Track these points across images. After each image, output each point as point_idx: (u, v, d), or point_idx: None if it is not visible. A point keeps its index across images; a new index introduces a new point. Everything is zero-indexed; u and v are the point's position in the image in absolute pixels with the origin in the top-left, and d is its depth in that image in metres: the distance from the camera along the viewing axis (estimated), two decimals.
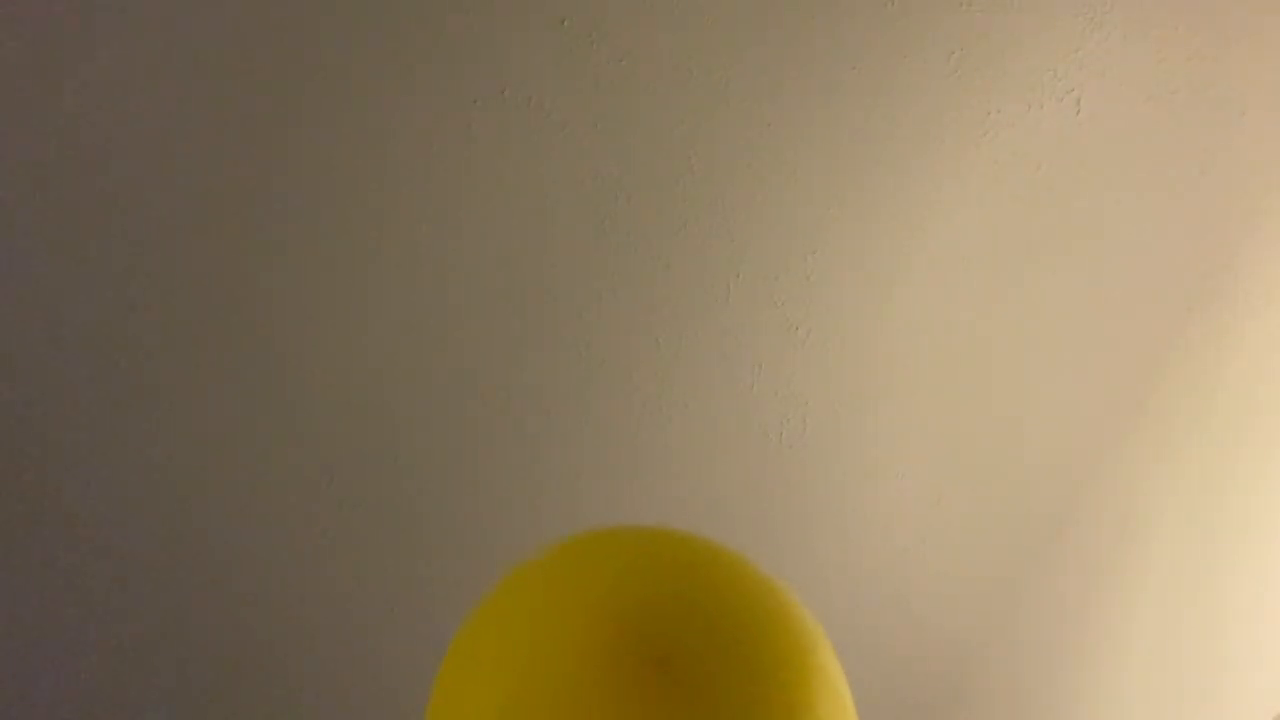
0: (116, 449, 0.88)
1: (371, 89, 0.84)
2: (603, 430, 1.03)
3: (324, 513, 0.97)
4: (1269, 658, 1.68)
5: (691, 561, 0.43)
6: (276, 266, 0.87)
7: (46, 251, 0.81)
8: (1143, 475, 1.36)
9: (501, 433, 0.99)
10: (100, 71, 0.77)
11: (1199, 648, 1.59)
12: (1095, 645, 1.48)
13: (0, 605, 0.90)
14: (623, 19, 0.88)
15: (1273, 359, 1.35)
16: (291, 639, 1.01)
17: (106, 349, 0.85)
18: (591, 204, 0.94)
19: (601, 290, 0.98)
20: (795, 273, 1.04)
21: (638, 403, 1.04)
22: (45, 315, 0.83)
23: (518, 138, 0.89)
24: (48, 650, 0.94)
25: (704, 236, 0.99)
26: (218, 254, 0.85)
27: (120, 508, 0.91)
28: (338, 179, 0.86)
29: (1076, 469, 1.31)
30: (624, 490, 1.06)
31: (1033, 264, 1.14)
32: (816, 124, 0.98)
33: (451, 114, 0.86)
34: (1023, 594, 1.36)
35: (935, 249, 1.09)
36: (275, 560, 0.97)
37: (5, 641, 0.92)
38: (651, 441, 1.05)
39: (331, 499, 0.96)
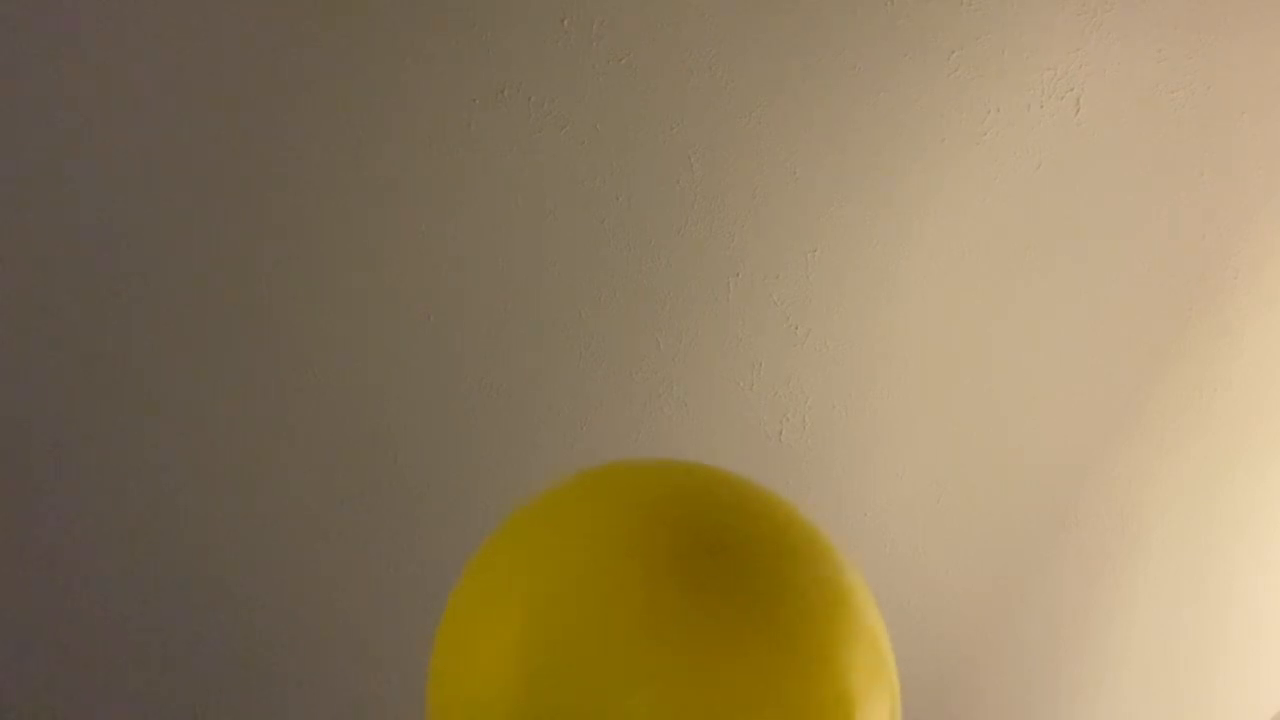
0: (111, 445, 0.88)
1: (372, 89, 0.84)
2: (603, 429, 1.03)
3: (322, 512, 0.97)
4: (1269, 658, 1.68)
5: (729, 475, 0.46)
6: (275, 265, 0.87)
7: (44, 250, 0.81)
8: (1143, 475, 1.36)
9: (501, 432, 0.99)
10: (100, 71, 0.77)
11: (1199, 648, 1.59)
12: (1095, 645, 1.48)
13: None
14: (623, 19, 0.88)
15: (1273, 359, 1.35)
16: (288, 633, 1.01)
17: (102, 345, 0.85)
18: (591, 204, 0.94)
19: (601, 290, 0.98)
20: (795, 272, 1.04)
21: (638, 402, 1.04)
22: (43, 312, 0.83)
23: (518, 138, 0.89)
24: (46, 644, 0.94)
25: (704, 236, 0.99)
26: (217, 252, 0.85)
27: (113, 503, 0.91)
28: (338, 178, 0.86)
29: (1076, 469, 1.31)
30: None
31: (1032, 263, 1.14)
32: (816, 124, 0.98)
33: (451, 114, 0.86)
34: (1022, 594, 1.36)
35: (935, 248, 1.09)
36: (272, 556, 0.97)
37: (3, 638, 0.92)
38: (651, 441, 1.05)
39: (330, 497, 0.96)
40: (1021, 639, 1.40)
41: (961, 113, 1.02)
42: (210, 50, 0.79)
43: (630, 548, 0.39)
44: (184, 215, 0.83)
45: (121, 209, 0.81)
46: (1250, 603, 1.60)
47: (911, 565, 1.26)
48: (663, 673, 0.37)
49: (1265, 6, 1.07)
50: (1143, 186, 1.14)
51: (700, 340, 1.03)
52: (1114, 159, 1.11)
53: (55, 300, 0.83)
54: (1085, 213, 1.13)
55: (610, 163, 0.93)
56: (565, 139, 0.90)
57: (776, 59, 0.94)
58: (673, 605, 0.38)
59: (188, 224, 0.83)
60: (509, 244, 0.93)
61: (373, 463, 0.97)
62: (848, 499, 1.18)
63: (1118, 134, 1.09)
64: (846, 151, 1.00)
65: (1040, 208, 1.10)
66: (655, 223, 0.97)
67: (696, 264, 1.00)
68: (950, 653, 1.36)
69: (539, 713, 0.37)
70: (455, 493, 1.00)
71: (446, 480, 1.00)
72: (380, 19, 0.82)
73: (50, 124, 0.77)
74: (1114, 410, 1.29)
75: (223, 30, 0.79)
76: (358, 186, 0.87)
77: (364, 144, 0.85)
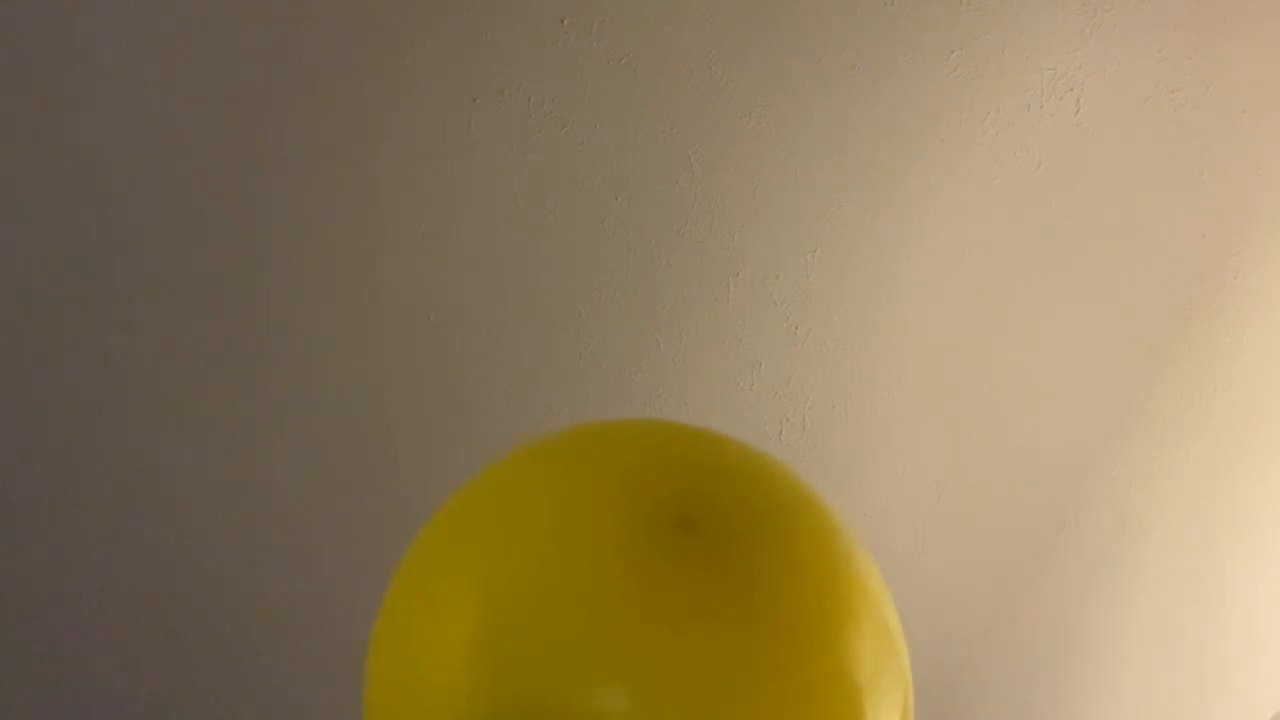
0: (110, 443, 0.88)
1: (370, 88, 0.84)
2: None
3: (321, 511, 0.97)
4: (1269, 658, 1.68)
5: (712, 438, 0.40)
6: (274, 265, 0.87)
7: (43, 249, 0.81)
8: (1143, 475, 1.36)
9: (500, 432, 0.99)
10: (99, 71, 0.77)
11: (1199, 648, 1.59)
12: (1095, 645, 1.48)
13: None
14: (623, 19, 0.88)
15: (1273, 359, 1.35)
16: (286, 634, 1.01)
17: (100, 344, 0.85)
18: (591, 203, 0.94)
19: (601, 290, 0.98)
20: (795, 273, 1.04)
21: (638, 402, 1.04)
22: (40, 310, 0.83)
23: (518, 138, 0.89)
24: (44, 641, 0.94)
25: (704, 236, 0.99)
26: (214, 252, 0.85)
27: (111, 501, 0.91)
28: (337, 178, 0.86)
29: (1076, 469, 1.31)
30: None
31: (1032, 263, 1.14)
32: (816, 124, 0.98)
33: (451, 113, 0.86)
34: (1022, 593, 1.36)
35: (935, 248, 1.09)
36: (272, 556, 0.97)
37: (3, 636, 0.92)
38: None
39: (329, 497, 0.96)
40: (1021, 639, 1.40)
41: (961, 113, 1.02)
42: (208, 49, 0.79)
43: (603, 516, 0.34)
44: (182, 215, 0.83)
45: (121, 209, 0.81)
46: (1250, 603, 1.60)
47: (911, 565, 1.26)
48: (639, 661, 0.32)
49: (1265, 6, 1.07)
50: (1143, 186, 1.14)
51: (700, 340, 1.03)
52: (1114, 159, 1.11)
53: (55, 300, 0.83)
54: (1085, 213, 1.13)
55: (610, 163, 0.93)
56: (565, 139, 0.90)
57: (776, 59, 0.94)
58: (651, 583, 0.33)
59: (186, 224, 0.83)
60: (509, 244, 0.93)
61: (373, 462, 0.97)
62: (848, 499, 1.18)
63: (1118, 134, 1.09)
64: (846, 151, 1.00)
65: (1040, 208, 1.10)
66: (655, 223, 0.97)
67: (696, 264, 1.00)
68: (950, 653, 1.36)
69: (493, 706, 0.32)
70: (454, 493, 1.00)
71: (446, 480, 0.99)
72: (379, 19, 0.82)
73: (50, 124, 0.77)
74: (1114, 410, 1.29)
75: (221, 29, 0.79)
76: (357, 186, 0.87)
77: (364, 144, 0.85)
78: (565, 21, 0.86)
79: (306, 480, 0.95)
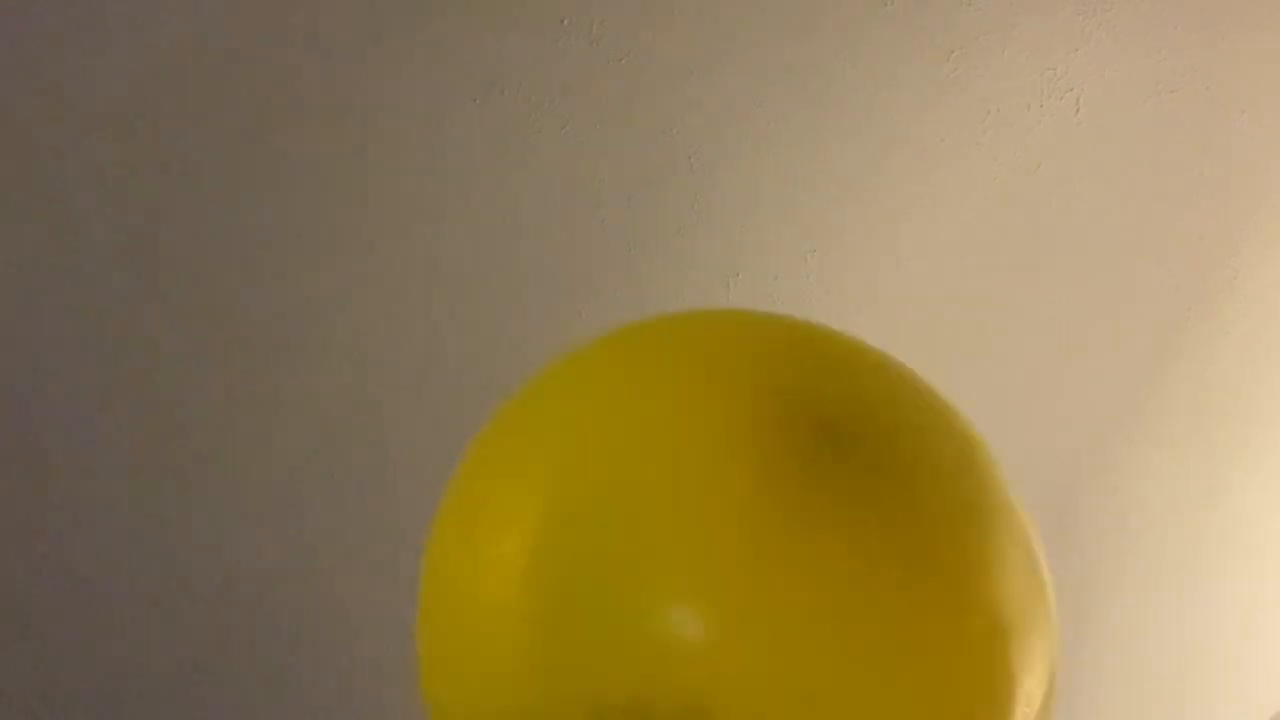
0: (110, 444, 0.88)
1: (369, 87, 0.84)
2: None
3: (322, 514, 0.97)
4: (1268, 658, 1.68)
5: (837, 336, 0.33)
6: (272, 266, 0.87)
7: (43, 249, 0.81)
8: (1143, 475, 1.36)
9: None
10: (98, 72, 0.77)
11: (1198, 648, 1.59)
12: (1095, 645, 1.48)
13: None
14: (623, 19, 0.88)
15: (1273, 359, 1.35)
16: (286, 635, 1.01)
17: (97, 342, 0.85)
18: (591, 203, 0.94)
19: (601, 290, 0.98)
20: (795, 273, 1.04)
21: None
22: (36, 308, 0.83)
23: (518, 138, 0.89)
24: (47, 641, 0.94)
25: (704, 236, 0.99)
26: (212, 252, 0.85)
27: (112, 501, 0.91)
28: (335, 177, 0.86)
29: (1076, 469, 1.31)
30: None
31: (1032, 263, 1.14)
32: (816, 124, 0.98)
33: (451, 113, 0.86)
34: None
35: (934, 248, 1.09)
36: (271, 555, 0.97)
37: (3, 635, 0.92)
38: None
39: (329, 498, 0.96)
40: None
41: (961, 113, 1.02)
42: (206, 49, 0.79)
43: (718, 411, 0.28)
44: (179, 212, 0.83)
45: (117, 210, 0.81)
46: (1250, 602, 1.60)
47: None
48: (753, 594, 0.25)
49: (1265, 6, 1.07)
50: (1142, 186, 1.14)
51: None
52: (1114, 159, 1.11)
53: (54, 301, 0.83)
54: (1085, 213, 1.13)
55: (610, 163, 0.93)
56: (565, 139, 0.90)
57: (776, 59, 0.94)
58: (786, 503, 0.26)
59: (184, 223, 0.83)
60: (509, 244, 0.93)
61: (372, 466, 0.97)
62: None
63: (1118, 134, 1.09)
64: (846, 152, 1.00)
65: (1040, 208, 1.10)
66: (655, 223, 0.97)
67: (696, 264, 1.00)
68: None
69: (556, 606, 0.27)
70: None
71: (442, 481, 0.99)
72: (378, 18, 0.82)
73: (49, 124, 0.77)
74: (1114, 410, 1.29)
75: (219, 28, 0.78)
76: (356, 186, 0.87)
77: (363, 143, 0.85)
78: (565, 21, 0.86)
79: (305, 482, 0.95)
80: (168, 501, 0.92)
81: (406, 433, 0.97)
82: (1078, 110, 1.06)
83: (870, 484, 0.28)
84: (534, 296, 0.96)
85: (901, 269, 1.08)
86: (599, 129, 0.91)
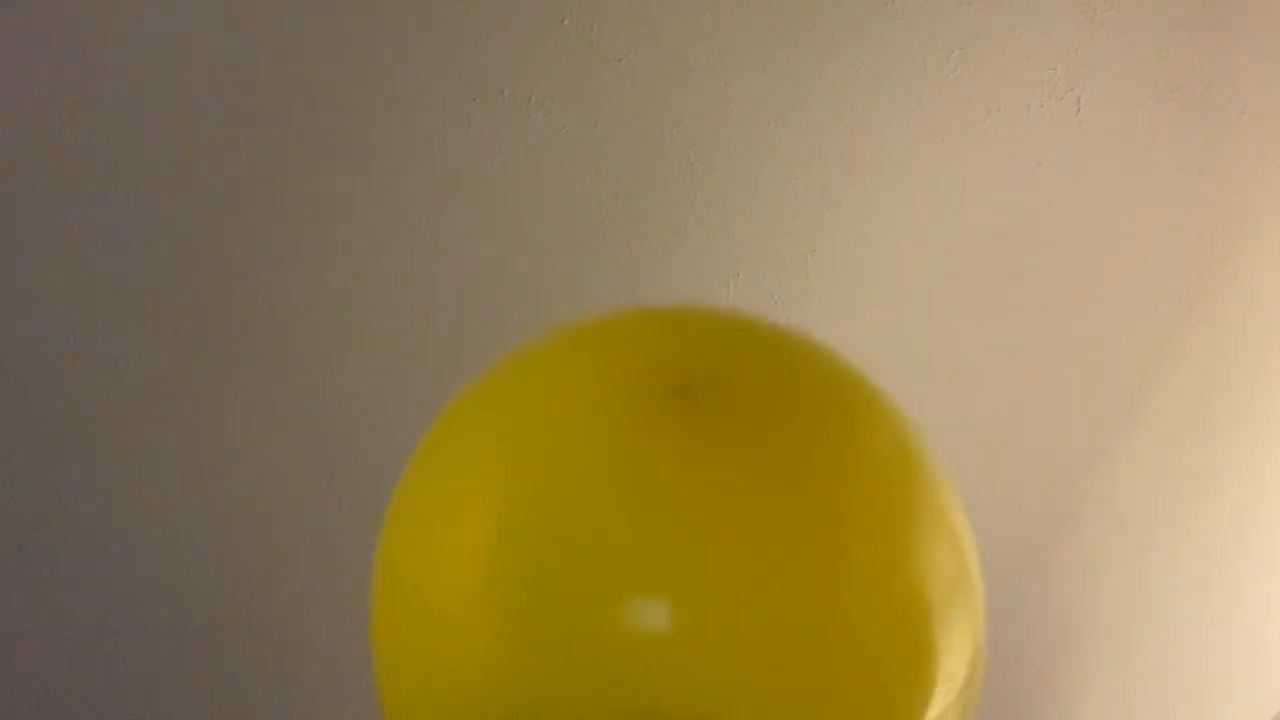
0: (109, 444, 0.88)
1: (370, 87, 0.84)
2: None
3: (327, 515, 0.97)
4: (1269, 658, 1.68)
5: (719, 311, 0.36)
6: (272, 266, 0.87)
7: (43, 248, 0.81)
8: (1143, 475, 1.36)
9: None
10: (98, 72, 0.77)
11: (1199, 648, 1.59)
12: (1095, 645, 1.48)
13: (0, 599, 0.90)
14: (623, 19, 0.88)
15: (1272, 359, 1.35)
16: (296, 639, 1.01)
17: (102, 348, 0.85)
18: (591, 204, 0.94)
19: (601, 290, 0.98)
20: (795, 273, 1.04)
21: None
22: (44, 312, 0.83)
23: (518, 137, 0.89)
24: (53, 647, 0.94)
25: (704, 236, 0.99)
26: (215, 253, 0.85)
27: (111, 502, 0.91)
28: (335, 178, 0.86)
29: (1076, 469, 1.31)
30: None
31: (1032, 263, 1.14)
32: (816, 124, 0.98)
33: (451, 113, 0.86)
34: (1021, 594, 1.36)
35: (934, 248, 1.09)
36: (272, 555, 0.97)
37: (4, 638, 0.92)
38: None
39: (328, 499, 0.96)
40: (1021, 639, 1.40)
41: (961, 113, 1.02)
42: (206, 50, 0.79)
43: (590, 390, 0.31)
44: (179, 215, 0.83)
45: (119, 209, 0.81)
46: (1250, 602, 1.60)
47: None
48: (642, 539, 0.27)
49: (1265, 6, 1.07)
50: (1143, 186, 1.14)
51: None
52: (1114, 159, 1.11)
53: (54, 300, 0.83)
54: (1085, 213, 1.13)
55: (610, 163, 0.93)
56: (565, 139, 0.90)
57: (777, 59, 0.94)
58: (637, 451, 0.29)
59: (183, 224, 0.83)
60: (509, 244, 0.93)
61: (371, 466, 0.97)
62: None
63: (1118, 134, 1.09)
64: (846, 151, 1.00)
65: (1040, 208, 1.10)
66: (655, 223, 0.97)
67: (696, 264, 1.00)
68: None
69: (509, 614, 0.28)
70: None
71: None
72: (378, 18, 0.82)
73: (48, 124, 0.77)
74: (1114, 410, 1.29)
75: (219, 29, 0.79)
76: (356, 186, 0.87)
77: (363, 143, 0.85)
78: (565, 21, 0.86)
79: (304, 482, 0.95)
80: (168, 500, 0.92)
81: (406, 433, 0.97)
82: (1078, 110, 1.06)
83: (717, 425, 0.29)
84: (534, 296, 0.96)
85: (901, 269, 1.08)
86: (599, 129, 0.91)
